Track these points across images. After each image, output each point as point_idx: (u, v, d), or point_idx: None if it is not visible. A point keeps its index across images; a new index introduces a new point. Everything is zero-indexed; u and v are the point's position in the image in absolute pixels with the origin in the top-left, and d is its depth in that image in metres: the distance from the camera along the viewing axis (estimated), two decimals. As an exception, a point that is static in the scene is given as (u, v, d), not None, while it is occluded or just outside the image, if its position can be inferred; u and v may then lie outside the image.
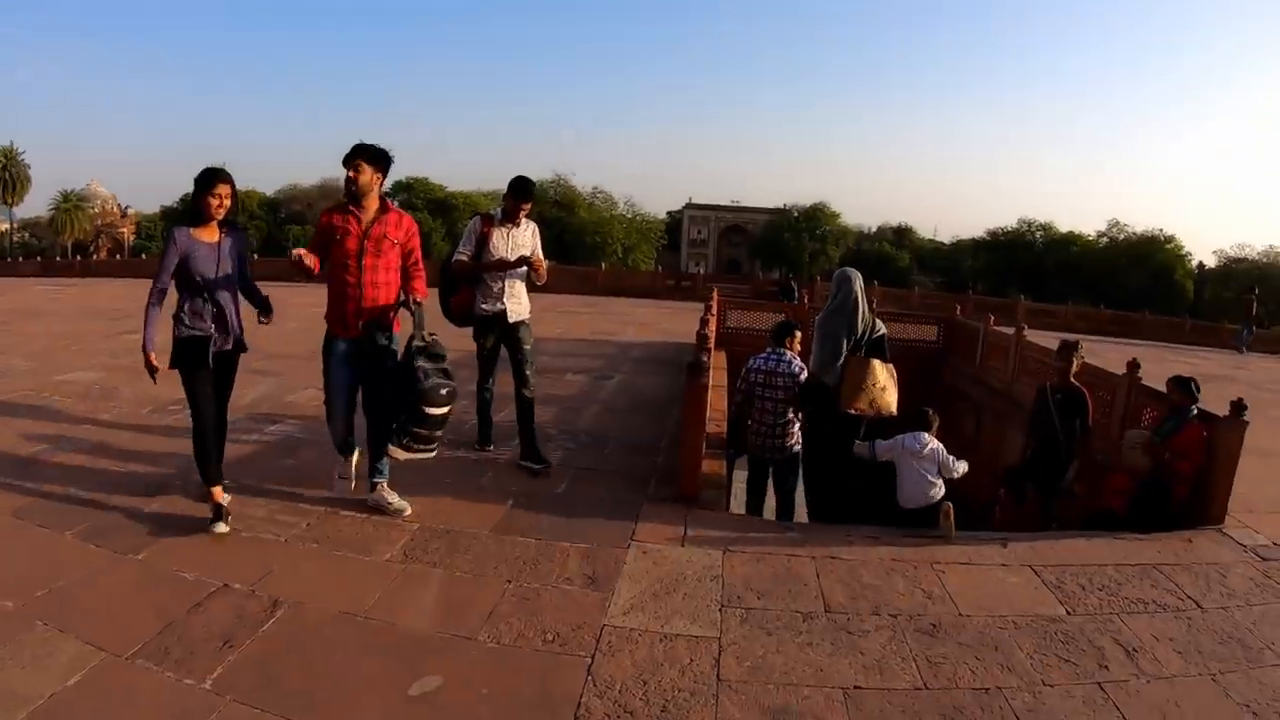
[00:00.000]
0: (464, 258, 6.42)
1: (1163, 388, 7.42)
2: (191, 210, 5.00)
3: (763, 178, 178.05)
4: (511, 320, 6.52)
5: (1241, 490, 6.58)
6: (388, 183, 5.32)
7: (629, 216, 64.60)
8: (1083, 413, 7.30)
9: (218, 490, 5.11)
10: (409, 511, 5.48)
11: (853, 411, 6.86)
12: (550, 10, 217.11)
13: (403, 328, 5.31)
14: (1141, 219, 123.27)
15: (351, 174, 5.04)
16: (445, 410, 5.07)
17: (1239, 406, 6.33)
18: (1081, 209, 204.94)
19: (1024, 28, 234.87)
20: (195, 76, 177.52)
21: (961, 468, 7.12)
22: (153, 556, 4.67)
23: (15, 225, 73.88)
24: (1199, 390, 6.86)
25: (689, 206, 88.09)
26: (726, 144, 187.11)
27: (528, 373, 6.62)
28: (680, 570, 4.91)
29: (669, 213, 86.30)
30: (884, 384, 6.79)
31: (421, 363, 4.99)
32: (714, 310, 12.59)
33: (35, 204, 71.27)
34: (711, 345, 11.06)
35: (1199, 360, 19.92)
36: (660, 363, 13.18)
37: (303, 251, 4.93)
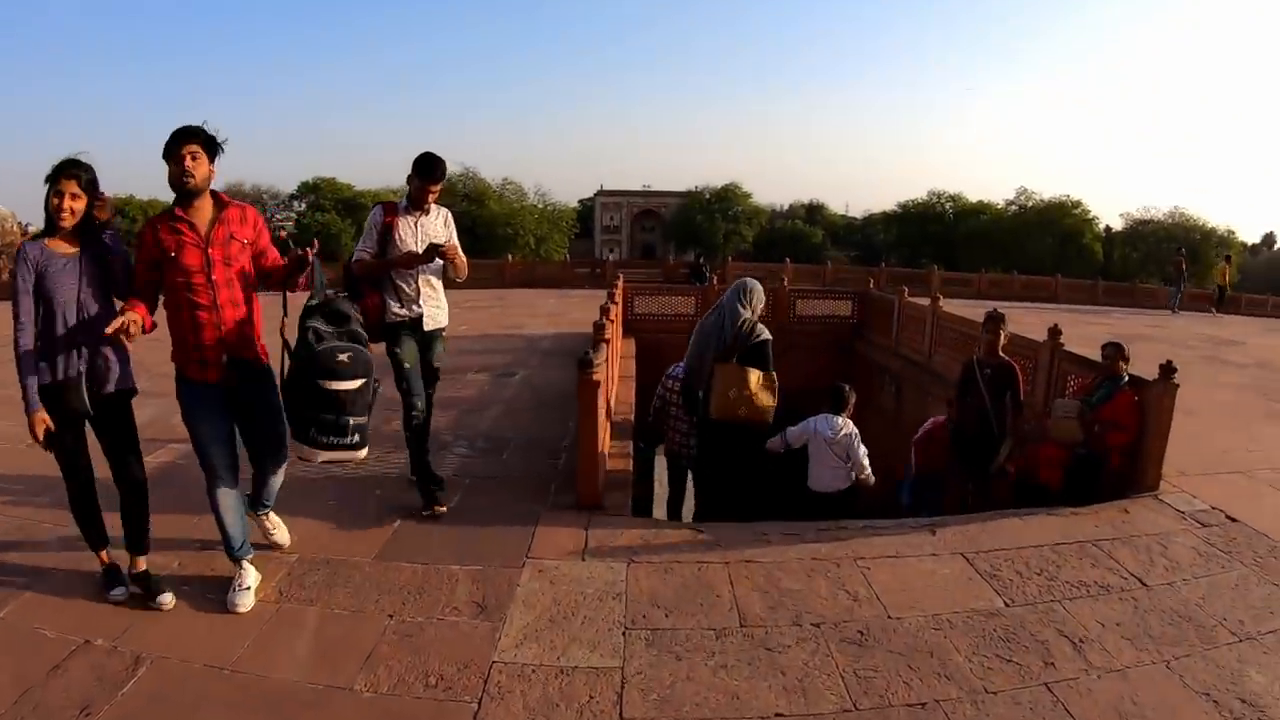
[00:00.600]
0: (366, 255, 5.30)
1: (1083, 352, 7.14)
2: (45, 217, 3.96)
3: (674, 162, 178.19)
4: (428, 328, 5.46)
5: (1173, 453, 6.32)
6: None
7: (540, 206, 63.69)
8: (1014, 387, 6.87)
9: (104, 554, 4.29)
10: (288, 543, 4.81)
11: (715, 419, 6.36)
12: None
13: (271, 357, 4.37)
14: (1049, 186, 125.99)
15: (188, 161, 3.83)
16: (352, 385, 4.20)
17: (1168, 369, 6.05)
18: (990, 179, 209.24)
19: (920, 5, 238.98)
20: (91, 80, 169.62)
21: (868, 473, 6.88)
22: (14, 613, 4.03)
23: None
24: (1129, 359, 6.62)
25: (600, 193, 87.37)
26: (637, 130, 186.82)
27: (430, 391, 5.64)
28: (579, 589, 4.38)
29: (581, 201, 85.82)
30: (755, 391, 6.23)
31: (316, 323, 4.22)
32: (617, 298, 12.02)
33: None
34: (615, 334, 10.62)
35: (1115, 321, 20.02)
36: (568, 355, 12.44)
37: (130, 318, 3.78)
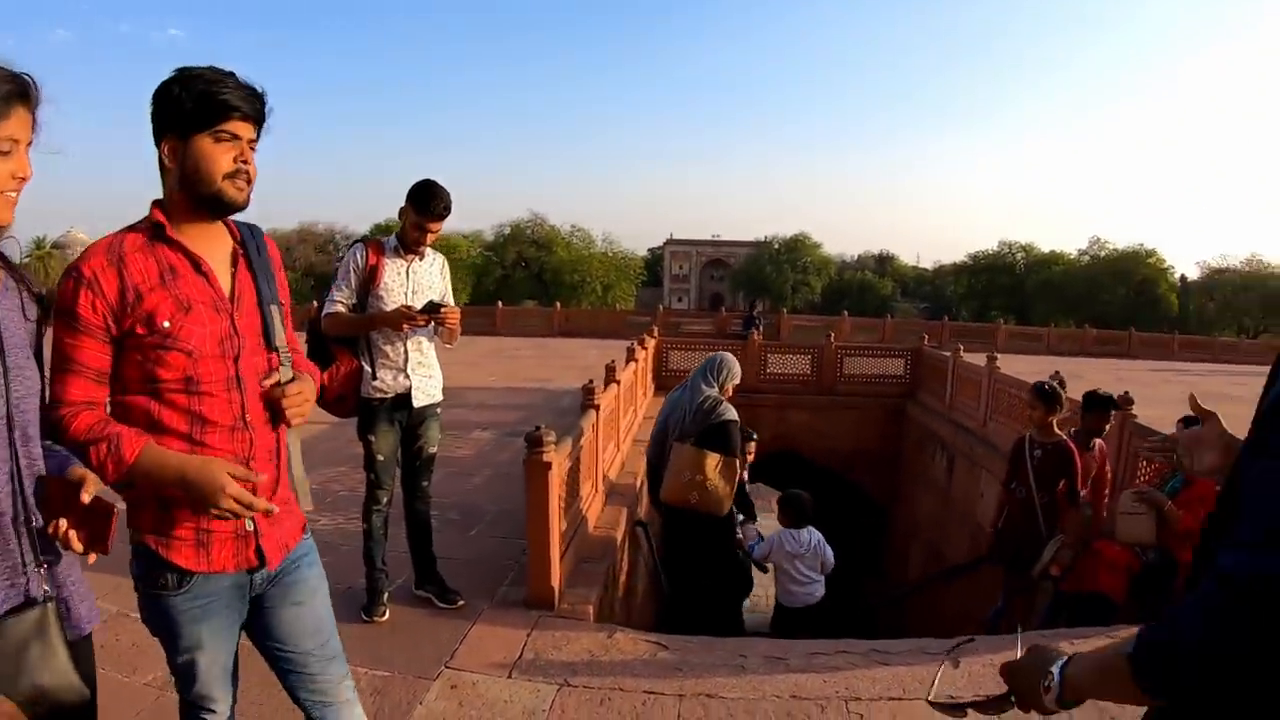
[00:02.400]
0: (341, 307, 4.12)
1: (1161, 426, 6.08)
2: None
3: (745, 213, 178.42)
4: (418, 404, 4.29)
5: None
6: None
7: (608, 254, 63.43)
8: (1069, 474, 5.70)
9: None
10: None
11: (665, 500, 5.90)
12: (511, 52, 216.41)
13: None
14: (1123, 234, 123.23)
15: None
16: None
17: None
18: (1064, 227, 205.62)
19: (998, 55, 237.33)
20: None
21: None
22: None
23: (-11, 275, 73.62)
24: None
25: (670, 242, 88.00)
26: (707, 181, 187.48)
27: (424, 484, 4.54)
28: (490, 717, 3.50)
29: (650, 249, 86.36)
30: (710, 476, 5.62)
31: None
32: (638, 354, 11.00)
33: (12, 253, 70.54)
34: (634, 394, 9.88)
35: (1195, 380, 18.48)
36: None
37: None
